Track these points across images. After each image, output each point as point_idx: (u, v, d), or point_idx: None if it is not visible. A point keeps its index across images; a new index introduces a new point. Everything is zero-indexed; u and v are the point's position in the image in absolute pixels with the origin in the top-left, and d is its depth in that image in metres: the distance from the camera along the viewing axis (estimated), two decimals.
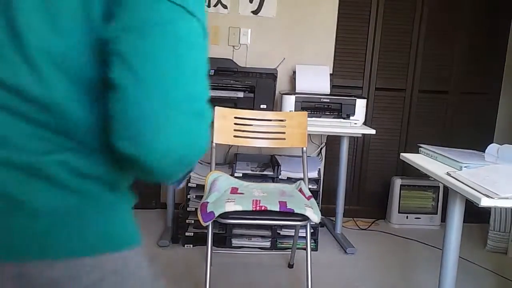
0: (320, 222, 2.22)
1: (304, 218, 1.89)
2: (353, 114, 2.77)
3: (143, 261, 0.62)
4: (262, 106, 2.73)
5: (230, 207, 1.86)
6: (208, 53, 0.57)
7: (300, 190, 2.19)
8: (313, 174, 2.84)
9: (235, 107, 2.61)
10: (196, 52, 0.54)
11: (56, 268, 0.52)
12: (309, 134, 2.96)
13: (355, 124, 2.78)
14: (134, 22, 0.50)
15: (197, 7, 0.54)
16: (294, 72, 3.05)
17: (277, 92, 2.89)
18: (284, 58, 3.10)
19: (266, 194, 2.05)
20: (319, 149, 3.41)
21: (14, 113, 0.53)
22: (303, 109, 2.71)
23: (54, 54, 0.52)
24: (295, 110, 2.71)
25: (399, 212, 3.38)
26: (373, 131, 2.76)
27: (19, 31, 0.51)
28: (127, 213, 0.62)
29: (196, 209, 2.74)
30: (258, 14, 3.18)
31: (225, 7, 3.21)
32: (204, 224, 1.86)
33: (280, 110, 2.76)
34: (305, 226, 1.98)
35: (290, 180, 2.77)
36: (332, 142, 3.40)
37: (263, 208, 1.87)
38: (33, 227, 0.52)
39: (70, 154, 0.54)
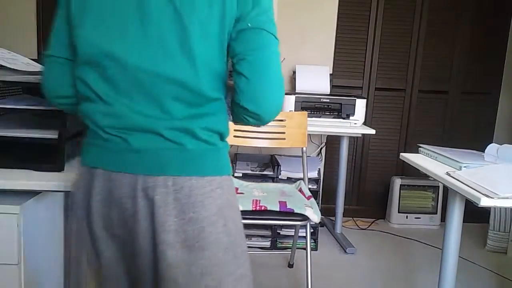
0: (320, 222, 2.22)
1: (304, 218, 1.89)
2: (353, 114, 2.77)
3: (233, 182, 1.01)
4: None
5: None
6: None
7: (300, 190, 2.19)
8: (313, 174, 2.84)
9: None
10: (278, 58, 0.94)
11: (193, 180, 0.92)
12: (309, 134, 2.97)
13: (355, 124, 2.79)
14: (251, 44, 0.91)
15: (276, 32, 0.94)
16: (294, 72, 3.05)
17: None
18: (284, 58, 3.10)
19: (266, 194, 2.06)
20: (319, 149, 3.42)
21: (176, 98, 0.91)
22: (303, 109, 2.71)
23: (205, 59, 0.90)
24: (295, 110, 2.71)
25: (399, 212, 3.38)
26: (373, 131, 2.76)
27: (191, 48, 0.88)
28: (227, 154, 1.00)
29: None
30: None
31: None
32: None
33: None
34: (305, 226, 1.98)
35: (290, 180, 2.77)
36: (332, 142, 3.40)
37: (263, 208, 1.88)
38: (186, 159, 0.92)
39: (205, 120, 0.93)
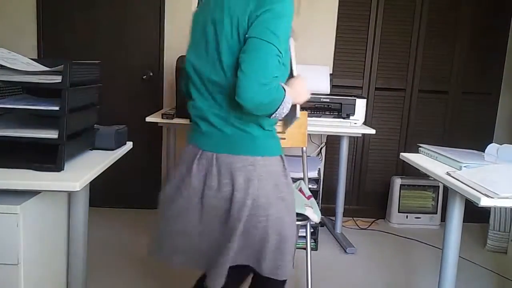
0: (320, 222, 2.22)
1: (304, 217, 1.89)
2: (353, 114, 2.77)
3: (271, 163, 1.31)
4: None
5: None
6: (278, 58, 1.20)
7: (300, 190, 2.19)
8: (313, 174, 2.84)
9: None
10: (264, 58, 1.16)
11: (229, 157, 1.28)
12: (309, 134, 2.96)
13: (355, 124, 2.79)
14: (243, 50, 1.19)
15: (273, 39, 1.17)
16: None
17: None
18: None
19: None
20: (319, 149, 3.42)
21: (220, 94, 1.28)
22: (303, 109, 2.70)
23: (230, 65, 1.23)
24: None
25: (399, 212, 3.38)
26: (373, 131, 2.76)
27: (221, 59, 1.25)
28: (266, 140, 1.32)
29: None
30: None
31: None
32: None
33: None
34: (305, 226, 1.98)
35: None
36: (332, 142, 3.40)
37: None
38: (225, 141, 1.30)
39: (236, 110, 1.25)
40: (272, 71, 1.16)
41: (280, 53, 1.18)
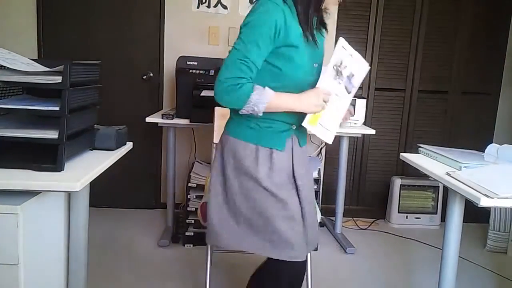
0: (320, 222, 2.22)
1: None
2: (353, 114, 2.77)
3: (238, 145, 1.45)
4: None
5: None
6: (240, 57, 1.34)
7: None
8: (313, 174, 2.84)
9: None
10: (232, 62, 1.34)
11: (224, 137, 1.52)
12: (309, 134, 2.96)
13: (355, 124, 2.79)
14: None
15: (240, 46, 1.34)
16: None
17: None
18: None
19: None
20: (319, 149, 3.42)
21: None
22: None
23: None
24: None
25: (399, 212, 3.38)
26: (373, 131, 2.76)
27: None
28: (243, 125, 1.45)
29: (196, 209, 2.74)
30: None
31: (225, 7, 3.21)
32: (204, 224, 1.86)
33: None
34: None
35: None
36: (332, 142, 3.39)
37: None
38: (228, 125, 1.53)
39: None
40: (232, 72, 1.32)
41: (247, 58, 1.32)
